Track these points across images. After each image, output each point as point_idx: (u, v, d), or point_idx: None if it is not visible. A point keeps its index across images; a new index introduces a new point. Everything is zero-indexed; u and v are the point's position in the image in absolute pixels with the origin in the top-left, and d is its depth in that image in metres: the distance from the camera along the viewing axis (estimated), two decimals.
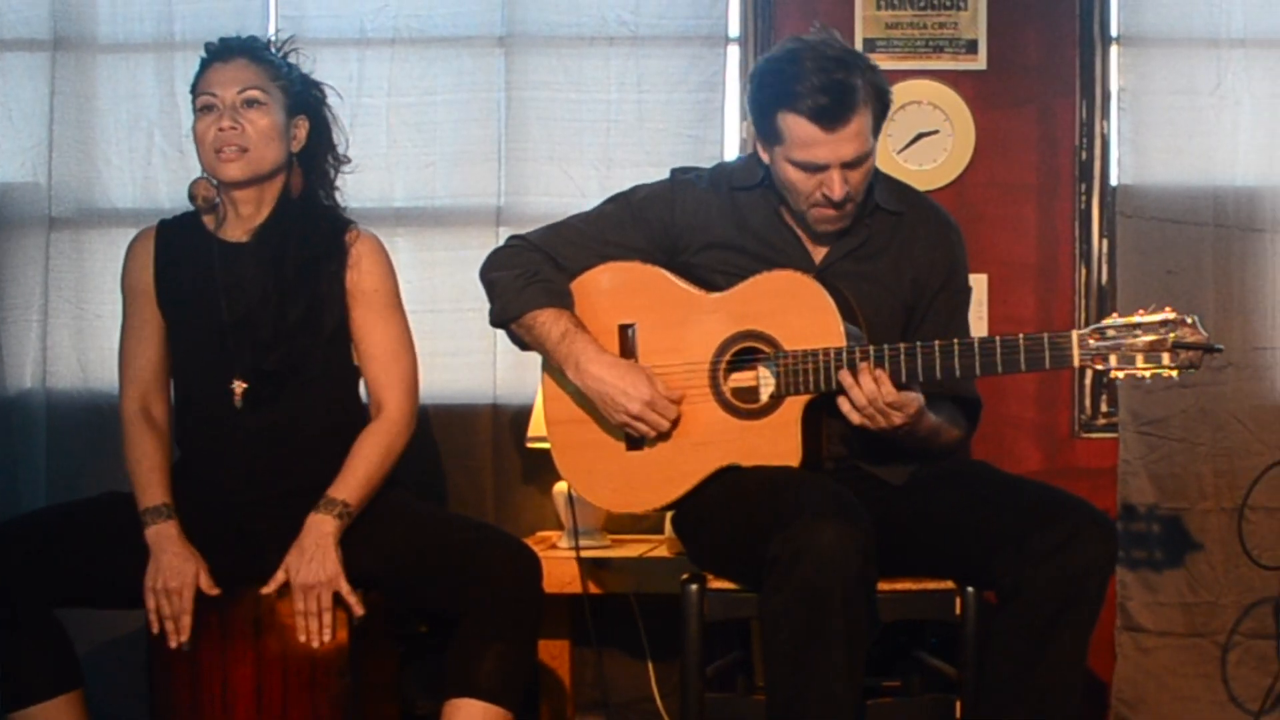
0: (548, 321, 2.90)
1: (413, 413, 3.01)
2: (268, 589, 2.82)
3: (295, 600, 2.81)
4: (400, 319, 3.05)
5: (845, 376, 2.70)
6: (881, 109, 2.81)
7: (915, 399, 2.72)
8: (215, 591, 2.83)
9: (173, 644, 2.82)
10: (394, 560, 2.90)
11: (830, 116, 2.73)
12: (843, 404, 2.71)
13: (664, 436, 2.87)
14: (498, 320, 2.98)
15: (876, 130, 2.82)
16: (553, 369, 2.97)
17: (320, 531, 2.83)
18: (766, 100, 2.80)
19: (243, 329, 2.92)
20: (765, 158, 2.87)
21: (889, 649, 3.29)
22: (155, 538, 2.83)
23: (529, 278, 2.92)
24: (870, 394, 2.68)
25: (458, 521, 3.03)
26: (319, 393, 2.97)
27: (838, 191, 2.77)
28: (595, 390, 2.87)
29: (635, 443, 2.92)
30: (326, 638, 2.82)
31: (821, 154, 2.76)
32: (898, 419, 2.70)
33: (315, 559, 2.81)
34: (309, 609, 2.82)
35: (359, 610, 2.83)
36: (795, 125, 2.75)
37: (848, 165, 2.77)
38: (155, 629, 2.82)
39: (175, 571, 2.81)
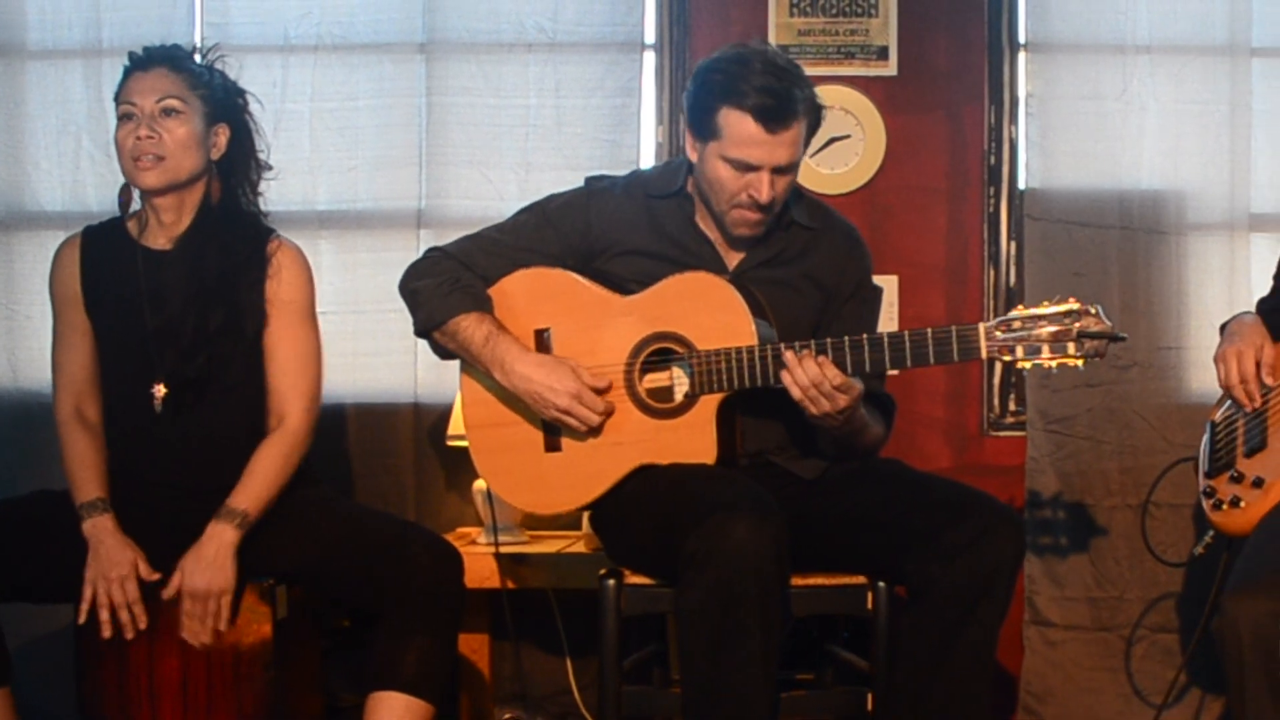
0: (471, 326, 2.92)
1: (312, 425, 3.02)
2: (167, 593, 2.83)
3: (184, 602, 2.82)
4: (312, 331, 3.07)
5: (790, 357, 2.72)
6: (815, 123, 2.86)
7: (858, 384, 2.74)
8: (155, 576, 2.84)
9: (108, 634, 2.83)
10: (318, 556, 2.92)
11: (772, 118, 2.77)
12: (792, 389, 2.72)
13: (582, 436, 2.89)
14: (422, 329, 2.99)
15: (807, 144, 2.87)
16: (473, 372, 2.99)
17: (221, 541, 2.84)
18: (710, 95, 2.82)
19: (164, 335, 2.95)
20: (694, 155, 2.89)
21: (802, 642, 3.33)
22: (93, 530, 2.85)
23: (451, 285, 2.94)
24: (814, 377, 2.69)
25: (380, 518, 3.05)
26: (239, 397, 2.99)
27: (765, 194, 2.81)
28: (524, 389, 2.88)
29: (553, 444, 2.94)
30: (208, 640, 2.84)
31: (757, 154, 2.79)
32: (842, 401, 2.71)
33: (212, 567, 2.82)
34: (194, 612, 2.83)
35: (224, 627, 2.84)
36: (737, 122, 2.78)
37: (778, 171, 2.81)
38: (83, 619, 2.83)
39: (116, 561, 2.82)
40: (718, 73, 2.83)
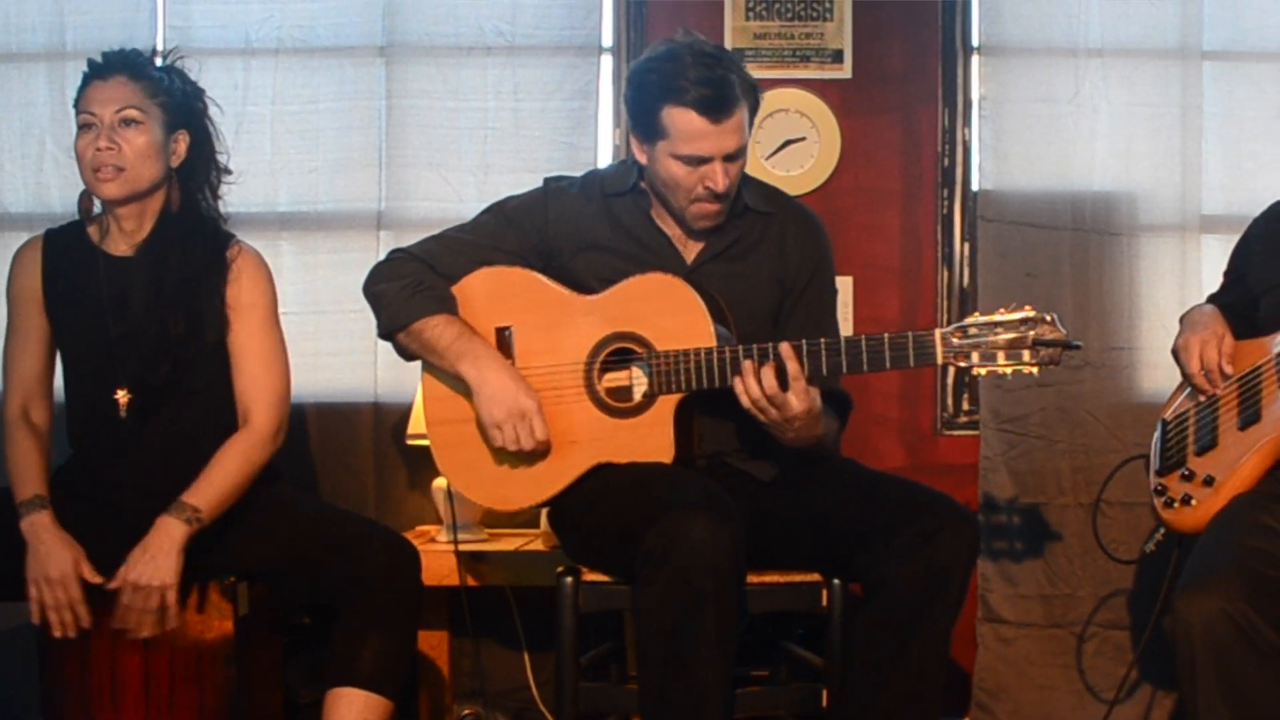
0: (439, 325, 2.93)
1: (279, 427, 3.03)
2: (112, 584, 2.81)
3: (123, 593, 2.81)
4: (275, 334, 3.08)
5: (748, 366, 2.73)
6: (754, 104, 2.89)
7: (816, 403, 2.75)
8: (98, 580, 2.84)
9: (58, 633, 2.83)
10: (279, 554, 2.95)
11: (715, 108, 2.80)
12: (741, 397, 2.74)
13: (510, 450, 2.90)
14: (386, 330, 3.00)
15: (750, 125, 2.90)
16: (434, 370, 3.00)
17: (167, 535, 2.83)
18: (649, 97, 2.86)
19: (127, 343, 2.95)
20: (643, 158, 2.92)
21: (758, 639, 3.35)
22: (30, 528, 2.85)
23: (415, 287, 2.95)
24: (770, 390, 2.70)
25: (341, 517, 3.07)
26: (202, 402, 3.01)
27: (721, 183, 2.84)
28: (492, 386, 2.88)
29: None
30: (146, 634, 2.83)
31: (707, 146, 2.82)
32: (792, 413, 2.72)
33: (155, 562, 2.81)
34: (133, 604, 2.81)
35: (174, 623, 2.84)
36: (681, 118, 2.82)
37: (729, 158, 2.85)
38: (36, 619, 2.83)
39: (54, 561, 2.82)
40: (652, 73, 2.86)
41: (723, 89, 2.81)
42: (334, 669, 2.88)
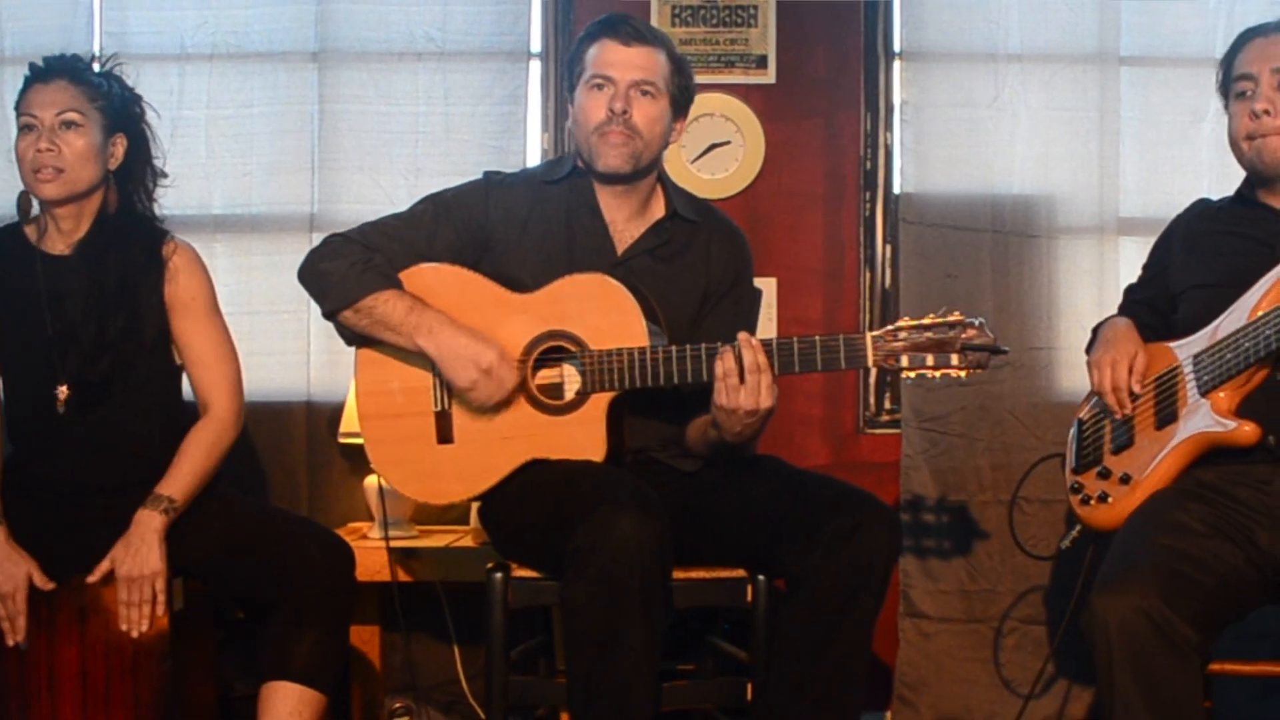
0: (391, 299, 2.92)
1: (239, 411, 3.11)
2: (93, 577, 2.90)
3: (119, 590, 2.88)
4: (219, 323, 3.15)
5: (744, 336, 2.75)
6: (677, 65, 3.01)
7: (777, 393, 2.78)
8: (50, 587, 2.91)
9: (10, 642, 2.89)
10: (217, 551, 3.00)
11: (626, 34, 2.95)
12: (730, 381, 2.74)
13: (475, 422, 2.94)
14: (335, 307, 2.97)
15: (676, 106, 3.02)
16: (367, 361, 3.01)
17: (147, 527, 2.91)
18: (578, 47, 3.01)
19: (66, 340, 3.00)
20: (571, 112, 3.02)
21: (684, 634, 3.39)
22: None
23: (364, 264, 2.95)
24: (763, 364, 2.73)
25: (277, 515, 3.13)
26: (141, 398, 3.06)
27: (621, 102, 2.92)
28: (448, 352, 2.88)
29: (445, 436, 2.96)
30: (145, 627, 2.90)
31: (613, 67, 2.95)
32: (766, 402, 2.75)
33: (140, 553, 2.89)
34: (131, 599, 2.89)
35: (161, 611, 2.92)
36: (595, 47, 2.97)
37: (639, 90, 2.94)
38: None
39: (7, 576, 2.89)
40: (584, 34, 3.03)
41: (635, 24, 2.98)
42: (268, 663, 2.93)
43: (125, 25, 3.93)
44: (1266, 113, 2.85)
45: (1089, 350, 3.12)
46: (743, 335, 2.76)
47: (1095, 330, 3.15)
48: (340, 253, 2.98)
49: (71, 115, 3.01)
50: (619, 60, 2.95)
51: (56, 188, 3.02)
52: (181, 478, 2.98)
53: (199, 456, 3.02)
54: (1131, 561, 2.63)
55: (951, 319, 2.73)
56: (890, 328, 2.74)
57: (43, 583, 2.91)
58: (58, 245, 3.08)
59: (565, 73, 3.07)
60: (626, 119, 2.93)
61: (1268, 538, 2.68)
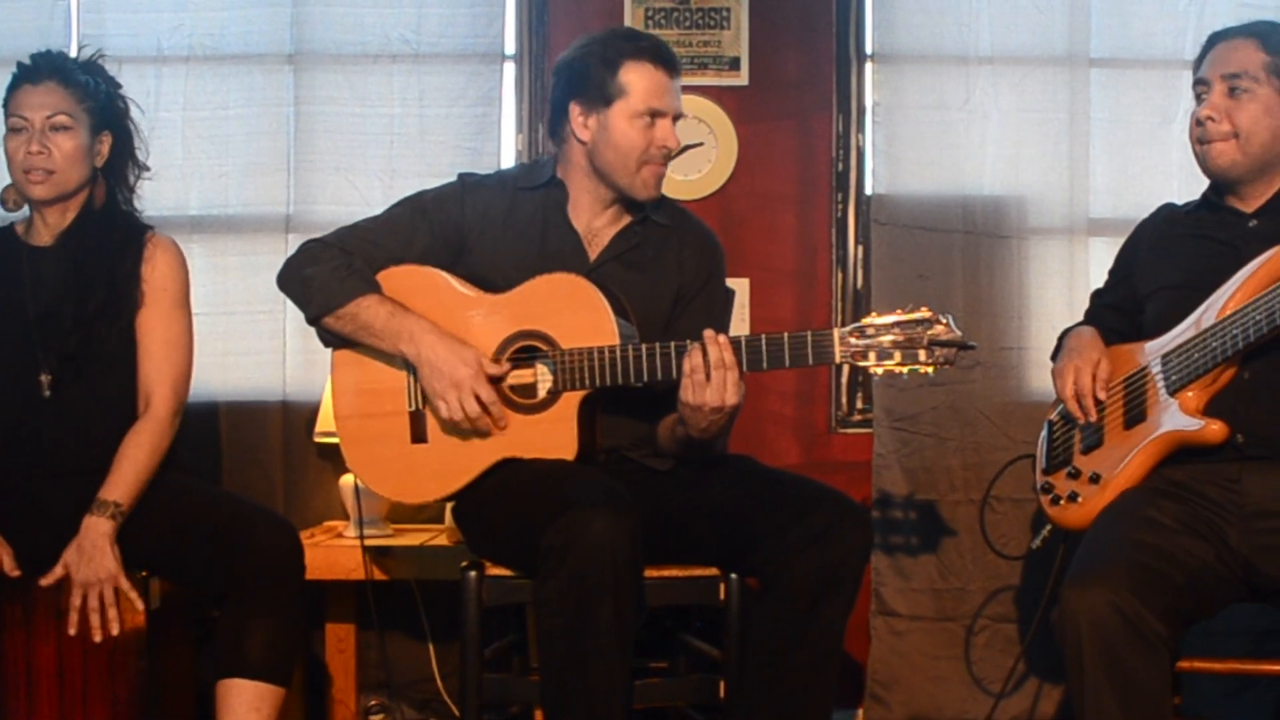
0: (373, 305, 2.94)
1: (178, 410, 3.09)
2: (46, 580, 2.88)
3: (74, 596, 2.88)
4: (183, 319, 3.15)
5: (709, 335, 2.77)
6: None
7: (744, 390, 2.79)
8: (16, 573, 2.89)
9: None
10: (165, 540, 2.98)
11: (670, 62, 2.95)
12: (696, 377, 2.76)
13: (446, 425, 2.92)
14: (319, 312, 2.98)
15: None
16: (343, 362, 3.02)
17: (97, 532, 2.90)
18: (603, 62, 2.93)
19: (46, 321, 3.03)
20: (586, 134, 2.96)
21: (657, 632, 3.38)
22: None
23: (346, 270, 2.96)
24: (729, 359, 2.74)
25: (222, 499, 3.10)
26: (115, 380, 3.07)
27: (674, 140, 2.94)
28: (427, 357, 2.88)
29: (419, 435, 2.97)
30: (114, 630, 2.89)
31: (665, 100, 2.93)
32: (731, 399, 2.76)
33: (93, 558, 2.88)
34: (91, 605, 2.88)
35: (139, 604, 2.92)
36: (644, 72, 2.92)
37: (677, 118, 2.97)
38: None
39: None
40: (601, 44, 2.97)
41: (672, 50, 2.98)
42: (221, 660, 2.90)
43: (102, 27, 3.95)
44: (1211, 119, 2.87)
45: (1054, 358, 3.14)
46: (708, 332, 2.77)
47: (1060, 339, 3.16)
48: (320, 258, 2.99)
49: (62, 118, 3.06)
50: (669, 90, 2.95)
51: (46, 189, 3.07)
52: (124, 481, 2.97)
53: (140, 457, 3.00)
54: (1103, 556, 2.64)
55: (919, 315, 2.74)
56: (857, 324, 2.75)
57: (10, 569, 2.90)
58: (43, 237, 3.13)
59: (573, 79, 2.98)
60: (668, 154, 2.97)
61: (1237, 535, 2.70)
